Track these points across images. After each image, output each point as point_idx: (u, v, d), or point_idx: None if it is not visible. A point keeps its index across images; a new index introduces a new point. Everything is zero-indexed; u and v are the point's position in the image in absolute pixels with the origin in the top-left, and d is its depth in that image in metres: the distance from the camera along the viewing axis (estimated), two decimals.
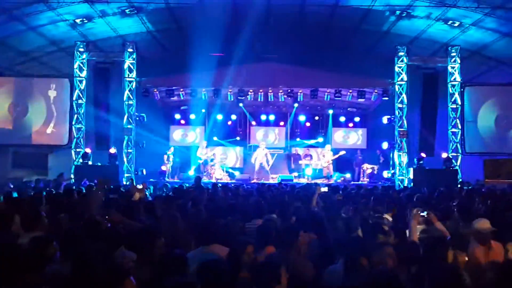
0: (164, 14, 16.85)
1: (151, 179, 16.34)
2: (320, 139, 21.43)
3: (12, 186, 11.81)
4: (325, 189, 8.84)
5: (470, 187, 12.35)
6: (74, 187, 10.71)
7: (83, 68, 17.15)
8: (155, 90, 18.31)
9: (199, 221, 4.85)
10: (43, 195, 8.22)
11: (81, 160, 16.42)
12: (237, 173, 19.68)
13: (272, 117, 21.90)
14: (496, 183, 15.30)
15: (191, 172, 19.09)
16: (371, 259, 3.65)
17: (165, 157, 18.90)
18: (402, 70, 17.10)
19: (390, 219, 6.00)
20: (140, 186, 9.74)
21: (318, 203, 7.13)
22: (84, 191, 9.11)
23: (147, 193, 9.70)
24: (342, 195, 9.05)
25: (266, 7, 16.02)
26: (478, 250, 4.62)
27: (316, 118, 22.04)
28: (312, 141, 21.39)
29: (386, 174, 18.33)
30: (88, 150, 16.64)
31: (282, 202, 7.02)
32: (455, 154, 16.94)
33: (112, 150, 16.41)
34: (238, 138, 21.71)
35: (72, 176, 15.75)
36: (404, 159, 16.98)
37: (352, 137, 21.67)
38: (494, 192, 10.07)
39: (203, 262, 3.14)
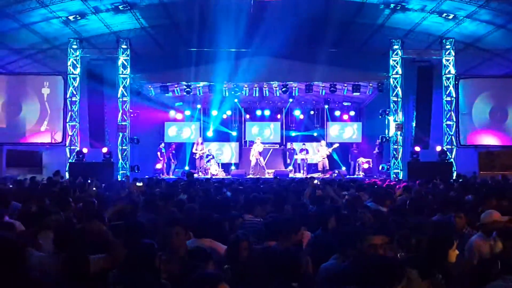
0: (157, 10, 16.76)
1: (146, 176, 16.30)
2: (315, 134, 21.44)
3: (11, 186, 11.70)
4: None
5: (463, 180, 12.37)
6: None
7: (77, 65, 17.04)
8: (150, 86, 18.25)
9: (193, 216, 4.83)
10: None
11: (75, 158, 16.35)
12: (232, 168, 19.68)
13: (267, 112, 21.87)
14: (491, 175, 15.37)
15: (187, 168, 19.07)
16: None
17: (159, 153, 18.88)
18: (396, 63, 17.09)
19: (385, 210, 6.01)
20: (139, 184, 9.77)
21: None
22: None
23: None
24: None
25: (259, 1, 15.95)
26: (481, 243, 4.54)
27: (312, 112, 22.03)
28: (307, 138, 21.38)
29: (381, 167, 18.36)
30: (85, 150, 16.52)
31: (278, 197, 7.01)
32: (449, 147, 16.96)
33: (105, 150, 16.31)
34: (234, 134, 21.68)
35: (67, 174, 15.70)
36: (399, 152, 16.99)
37: (347, 131, 21.69)
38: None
39: None
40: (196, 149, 18.93)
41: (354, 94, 18.48)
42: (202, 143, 19.16)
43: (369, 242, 3.63)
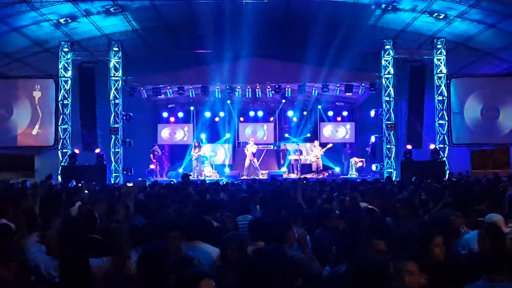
0: (149, 12, 16.71)
1: (139, 178, 16.23)
2: (308, 134, 21.44)
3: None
4: None
5: (456, 179, 12.41)
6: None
7: (68, 68, 16.97)
8: (142, 88, 18.16)
9: (186, 217, 4.81)
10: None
11: (68, 161, 16.26)
12: (226, 170, 19.65)
13: (260, 113, 21.86)
14: (483, 174, 15.45)
15: (181, 170, 19.00)
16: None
17: (151, 155, 18.82)
18: (388, 63, 17.16)
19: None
20: (130, 184, 9.76)
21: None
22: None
23: None
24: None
25: (252, 3, 15.97)
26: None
27: (304, 113, 22.04)
28: (300, 138, 21.39)
29: (374, 167, 18.42)
30: (76, 151, 16.49)
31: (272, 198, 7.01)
32: (442, 146, 17.05)
33: (97, 150, 16.30)
34: (228, 135, 21.62)
35: (59, 177, 15.62)
36: (392, 151, 17.05)
37: (340, 131, 21.71)
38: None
39: None
40: (193, 152, 18.82)
41: (347, 94, 18.51)
42: (198, 146, 19.04)
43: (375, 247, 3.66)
